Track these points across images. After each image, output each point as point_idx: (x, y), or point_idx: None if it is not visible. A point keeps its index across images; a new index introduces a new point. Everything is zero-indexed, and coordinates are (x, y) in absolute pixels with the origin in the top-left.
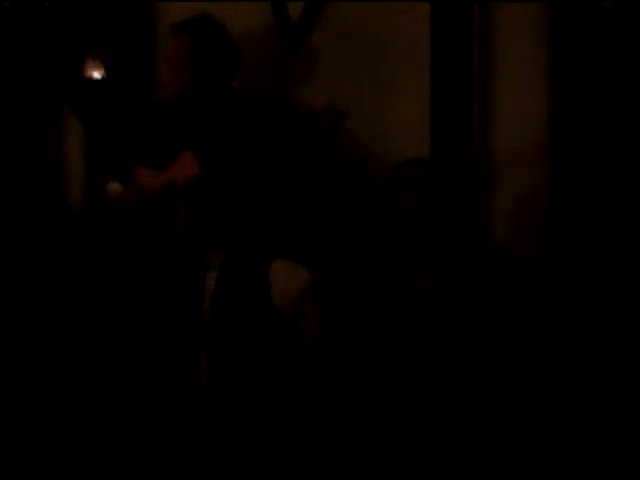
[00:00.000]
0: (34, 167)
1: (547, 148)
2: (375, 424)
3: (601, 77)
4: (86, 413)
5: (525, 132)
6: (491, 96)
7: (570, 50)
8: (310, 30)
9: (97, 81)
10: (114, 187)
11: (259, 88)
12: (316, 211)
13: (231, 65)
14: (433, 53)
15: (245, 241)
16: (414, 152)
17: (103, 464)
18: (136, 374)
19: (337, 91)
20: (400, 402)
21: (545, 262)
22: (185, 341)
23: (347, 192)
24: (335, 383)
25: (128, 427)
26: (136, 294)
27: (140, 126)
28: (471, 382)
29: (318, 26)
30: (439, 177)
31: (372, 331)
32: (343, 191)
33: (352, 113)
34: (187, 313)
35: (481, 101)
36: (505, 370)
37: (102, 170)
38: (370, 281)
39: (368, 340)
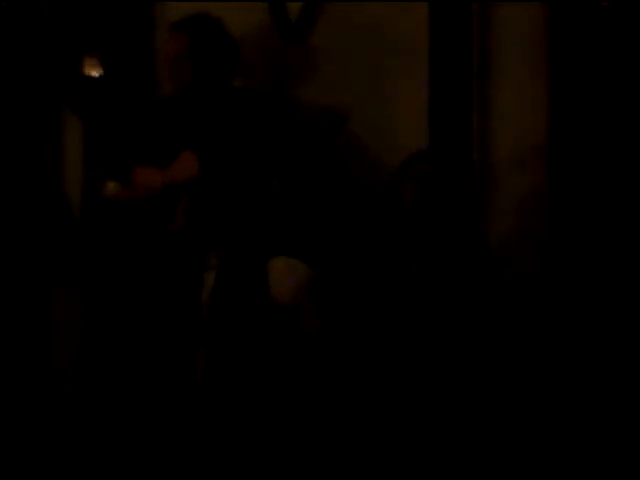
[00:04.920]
0: (33, 166)
1: (546, 147)
2: (375, 420)
3: (601, 77)
4: (84, 409)
5: (524, 131)
6: (490, 95)
7: (569, 50)
8: (310, 29)
9: (97, 80)
10: (111, 186)
11: (260, 87)
12: (317, 209)
13: (230, 63)
14: (432, 53)
15: (244, 241)
16: (414, 150)
17: (101, 460)
18: (135, 371)
19: (337, 90)
20: (400, 397)
21: (544, 261)
22: (183, 339)
23: (347, 189)
24: (335, 378)
25: (127, 422)
26: (135, 293)
27: (140, 125)
28: (471, 377)
29: (318, 25)
30: (438, 175)
31: (372, 324)
32: (344, 189)
33: (352, 112)
34: (186, 311)
35: (480, 100)
36: (504, 365)
37: (99, 170)
38: (370, 276)
39: (368, 333)
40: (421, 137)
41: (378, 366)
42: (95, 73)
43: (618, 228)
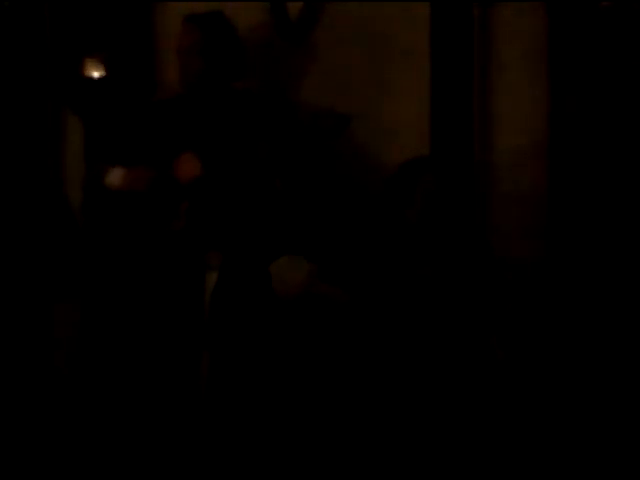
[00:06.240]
0: (34, 166)
1: (546, 148)
2: (376, 418)
3: (600, 77)
4: (88, 411)
5: (524, 131)
6: (491, 96)
7: (569, 50)
8: (310, 29)
9: (97, 81)
10: (116, 172)
11: (261, 88)
12: (318, 210)
13: (238, 63)
14: (433, 53)
15: (245, 241)
16: (414, 152)
17: (104, 463)
18: (138, 373)
19: (337, 91)
20: (401, 395)
21: (544, 260)
22: (187, 340)
23: (348, 190)
24: (337, 378)
25: (130, 425)
26: (137, 294)
27: (141, 126)
28: (473, 379)
29: (318, 26)
30: (439, 176)
31: (372, 326)
32: (345, 190)
33: (352, 113)
34: (188, 312)
35: (481, 101)
36: (505, 365)
37: (99, 172)
38: (370, 276)
39: (368, 336)
40: (422, 137)
41: (380, 369)
42: (95, 74)
43: (618, 226)
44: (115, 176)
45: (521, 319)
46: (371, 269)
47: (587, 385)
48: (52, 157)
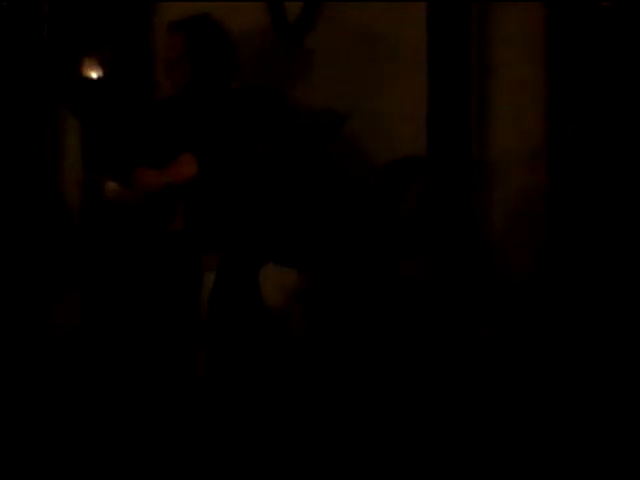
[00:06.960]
0: (32, 167)
1: (545, 148)
2: (368, 419)
3: (600, 77)
4: (86, 408)
5: (523, 131)
6: (489, 96)
7: (568, 50)
8: (308, 29)
9: (95, 81)
10: (112, 186)
11: (261, 87)
12: (313, 211)
13: (229, 65)
14: (430, 53)
15: (243, 242)
16: (412, 151)
17: (101, 457)
18: (136, 372)
19: (335, 91)
20: (392, 395)
21: (543, 261)
22: (184, 338)
23: (344, 191)
24: (329, 376)
25: (128, 422)
26: (135, 294)
27: (139, 126)
28: (465, 380)
29: (317, 25)
30: (436, 175)
31: (364, 325)
32: (340, 190)
33: (348, 112)
34: (186, 312)
35: (479, 101)
36: (499, 365)
37: (100, 170)
38: (363, 277)
39: (359, 334)
40: (420, 138)
41: (369, 367)
42: (93, 74)
43: (617, 228)
44: (110, 191)
45: (518, 318)
46: (362, 268)
47: (583, 386)
48: (50, 158)
